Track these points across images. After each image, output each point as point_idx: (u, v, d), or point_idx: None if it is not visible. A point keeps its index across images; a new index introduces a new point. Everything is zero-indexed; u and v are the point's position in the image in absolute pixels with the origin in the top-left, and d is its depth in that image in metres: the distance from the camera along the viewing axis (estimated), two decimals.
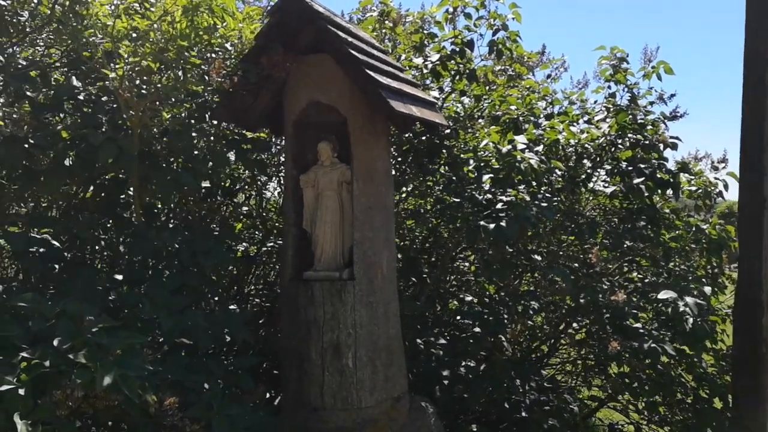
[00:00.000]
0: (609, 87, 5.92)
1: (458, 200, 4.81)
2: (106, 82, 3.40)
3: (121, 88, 3.19)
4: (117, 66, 3.25)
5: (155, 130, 3.66)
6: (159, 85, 3.34)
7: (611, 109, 5.49)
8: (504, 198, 4.77)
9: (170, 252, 3.45)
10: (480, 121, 5.45)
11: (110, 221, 3.79)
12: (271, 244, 5.41)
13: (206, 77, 3.73)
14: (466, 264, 5.87)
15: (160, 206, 4.17)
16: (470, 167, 4.56)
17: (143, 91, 3.40)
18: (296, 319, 4.03)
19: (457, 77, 5.31)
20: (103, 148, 3.19)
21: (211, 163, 3.76)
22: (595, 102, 5.86)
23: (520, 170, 4.33)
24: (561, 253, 5.40)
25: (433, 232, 5.58)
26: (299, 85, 4.06)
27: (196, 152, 3.69)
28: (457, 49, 5.37)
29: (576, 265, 5.36)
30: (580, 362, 6.10)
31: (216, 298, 3.72)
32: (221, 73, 3.62)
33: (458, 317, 4.88)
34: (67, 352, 2.51)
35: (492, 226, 4.16)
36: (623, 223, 5.34)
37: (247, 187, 5.46)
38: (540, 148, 4.73)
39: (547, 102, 6.05)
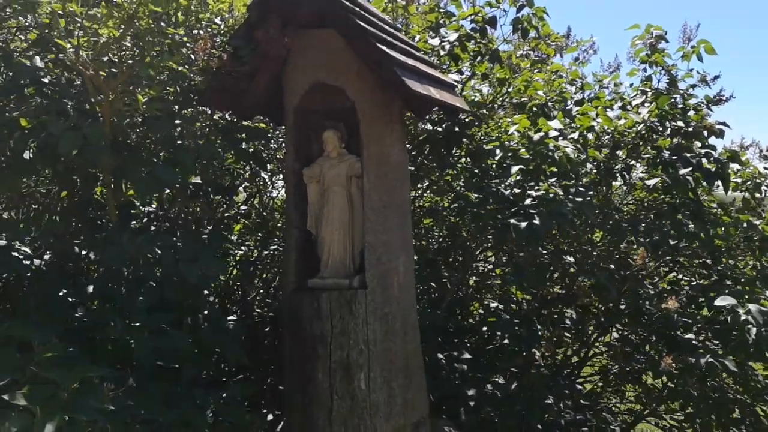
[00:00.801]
0: (644, 70, 5.34)
1: (481, 196, 4.27)
2: (60, 54, 2.86)
3: (78, 62, 2.66)
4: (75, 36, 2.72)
5: (137, 117, 3.13)
6: (131, 62, 2.80)
7: (649, 93, 4.91)
8: (533, 192, 4.23)
9: (150, 260, 2.91)
10: (500, 111, 4.88)
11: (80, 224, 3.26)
12: (275, 246, 4.87)
13: (192, 56, 3.20)
14: (489, 265, 5.30)
15: (142, 207, 3.64)
16: (496, 158, 4.00)
17: (114, 70, 2.86)
18: (300, 334, 3.51)
19: (479, 59, 4.75)
20: (64, 137, 2.66)
21: (199, 156, 3.22)
22: (630, 85, 5.28)
23: (553, 161, 3.77)
24: (594, 253, 4.83)
25: (453, 231, 5.02)
26: (301, 64, 3.54)
27: (180, 142, 3.14)
28: (478, 28, 4.80)
29: (611, 266, 4.78)
30: (614, 372, 5.52)
31: (205, 312, 3.18)
32: (208, 51, 3.08)
33: (484, 328, 4.31)
34: (5, 390, 1.99)
35: (524, 224, 3.61)
36: (661, 218, 4.74)
37: (249, 184, 4.93)
38: (575, 135, 4.16)
39: (576, 87, 5.48)
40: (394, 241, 3.57)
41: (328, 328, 3.43)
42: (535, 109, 4.96)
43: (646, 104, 4.90)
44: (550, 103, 4.84)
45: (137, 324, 2.68)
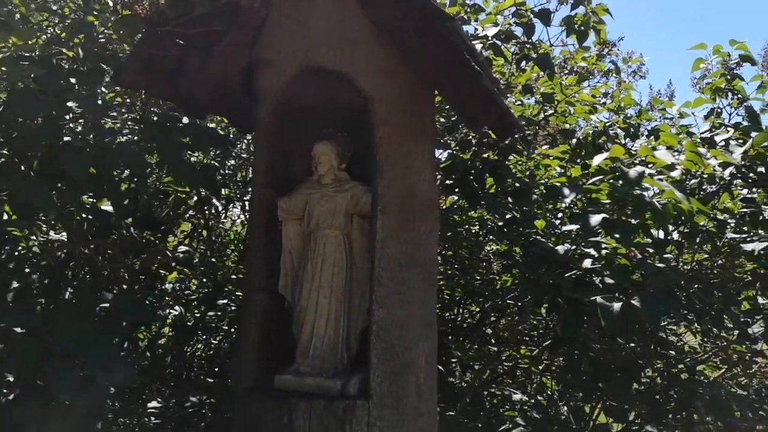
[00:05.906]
0: (715, 99, 4.16)
1: (516, 251, 3.01)
2: None
3: None
4: None
5: None
6: None
7: (738, 127, 3.71)
8: (590, 250, 2.97)
9: None
10: (540, 140, 3.61)
11: None
12: (226, 302, 3.47)
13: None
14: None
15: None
16: (567, 200, 2.72)
17: None
18: None
19: (522, 64, 3.50)
20: None
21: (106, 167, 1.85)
22: (707, 117, 4.08)
23: (654, 210, 2.50)
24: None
25: (470, 296, 3.71)
26: (285, 34, 2.24)
27: (67, 139, 1.77)
28: (521, 24, 3.54)
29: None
30: None
31: None
32: None
33: None
34: None
35: (617, 306, 2.32)
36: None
37: (194, 213, 3.53)
38: (677, 173, 2.91)
39: (627, 115, 4.26)
40: (414, 320, 2.31)
41: None
42: (587, 138, 3.72)
43: (732, 141, 3.69)
44: (611, 131, 3.60)
45: None
